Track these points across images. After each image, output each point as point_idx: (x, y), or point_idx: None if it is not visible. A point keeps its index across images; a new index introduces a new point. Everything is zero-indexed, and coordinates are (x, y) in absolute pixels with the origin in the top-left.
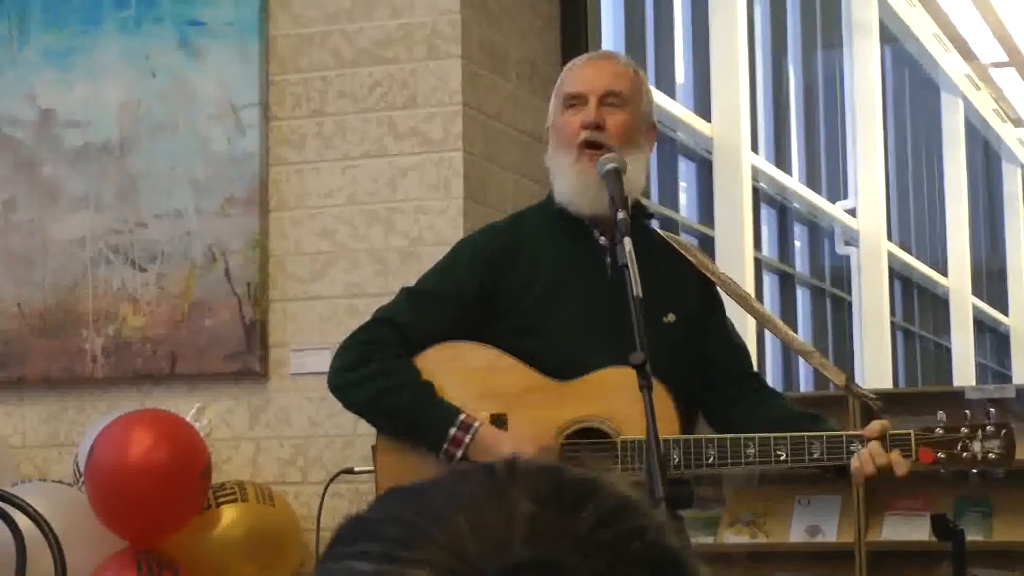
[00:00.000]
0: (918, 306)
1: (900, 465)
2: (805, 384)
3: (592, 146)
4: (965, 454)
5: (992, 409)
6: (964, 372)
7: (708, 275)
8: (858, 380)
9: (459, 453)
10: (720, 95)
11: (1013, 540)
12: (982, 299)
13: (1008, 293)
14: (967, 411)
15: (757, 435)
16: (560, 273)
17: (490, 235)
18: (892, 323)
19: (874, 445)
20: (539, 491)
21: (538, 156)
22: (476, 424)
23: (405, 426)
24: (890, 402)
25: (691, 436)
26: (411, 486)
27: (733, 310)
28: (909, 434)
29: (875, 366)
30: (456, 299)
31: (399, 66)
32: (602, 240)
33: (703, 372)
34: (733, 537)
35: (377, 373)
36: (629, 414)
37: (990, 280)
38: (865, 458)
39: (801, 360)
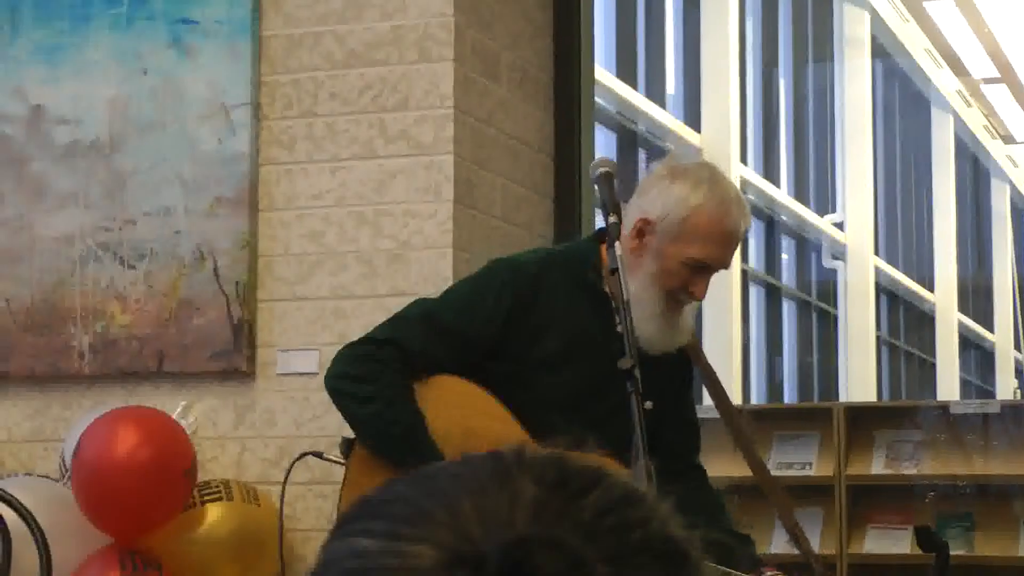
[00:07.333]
0: (904, 321)
1: None
2: (789, 396)
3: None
4: None
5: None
6: (948, 387)
7: (692, 360)
8: (842, 394)
9: None
10: (710, 106)
11: (995, 555)
12: (968, 315)
13: (994, 310)
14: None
15: None
16: (568, 338)
17: (519, 279)
18: (878, 338)
19: None
20: (545, 477)
21: (528, 162)
22: None
23: (388, 453)
24: (876, 415)
25: None
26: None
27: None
28: None
29: (860, 380)
30: (470, 342)
31: (390, 68)
32: (619, 328)
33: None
34: None
35: (377, 397)
36: None
37: (976, 297)
38: None
39: (786, 377)
